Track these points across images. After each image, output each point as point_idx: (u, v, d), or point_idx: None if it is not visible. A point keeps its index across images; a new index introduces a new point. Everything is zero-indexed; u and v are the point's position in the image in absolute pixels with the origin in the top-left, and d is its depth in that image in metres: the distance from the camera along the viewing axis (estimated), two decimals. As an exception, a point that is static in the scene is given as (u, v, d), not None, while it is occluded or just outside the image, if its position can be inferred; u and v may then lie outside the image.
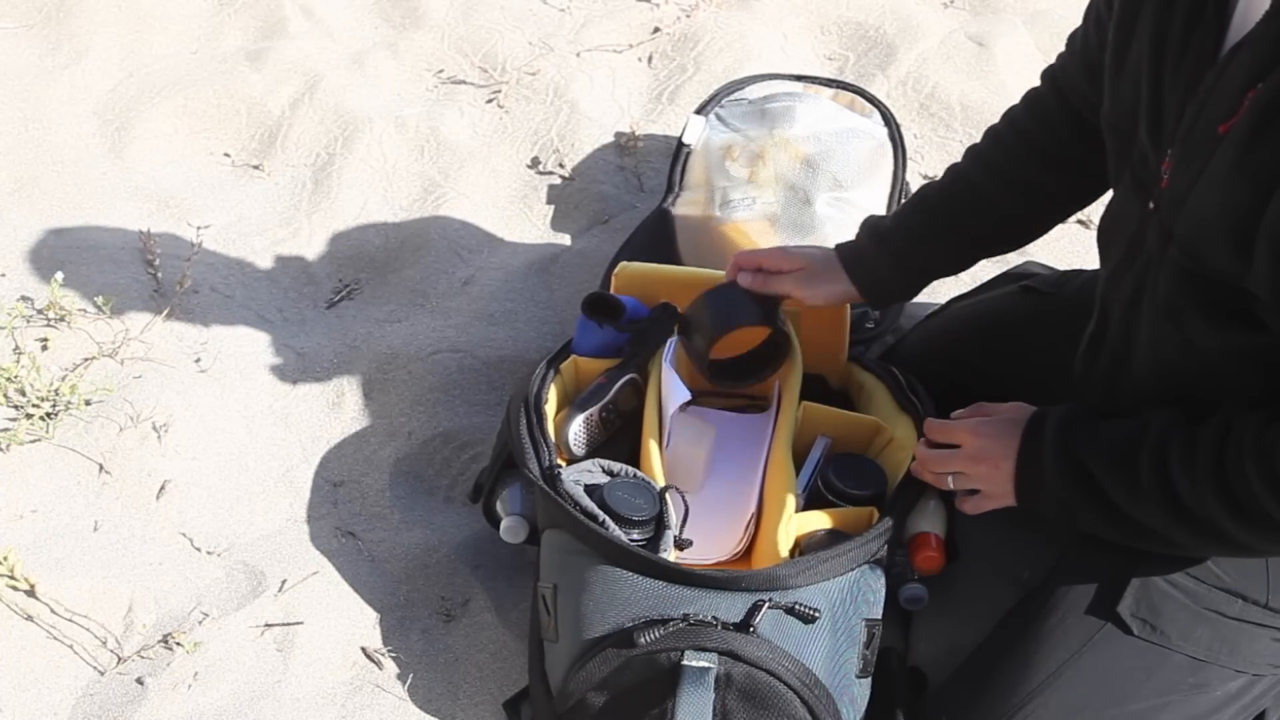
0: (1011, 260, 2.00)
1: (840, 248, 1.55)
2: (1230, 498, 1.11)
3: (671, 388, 1.49)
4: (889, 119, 2.06)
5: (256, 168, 2.23)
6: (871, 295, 1.54)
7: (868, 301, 1.55)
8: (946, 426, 1.36)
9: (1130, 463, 1.18)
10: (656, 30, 2.49)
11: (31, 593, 1.55)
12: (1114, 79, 1.25)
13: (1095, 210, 1.69)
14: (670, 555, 1.37)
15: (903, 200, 1.97)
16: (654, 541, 1.37)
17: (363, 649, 1.54)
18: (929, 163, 2.21)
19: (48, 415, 1.75)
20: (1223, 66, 1.08)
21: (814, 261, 1.53)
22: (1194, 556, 1.25)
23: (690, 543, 1.44)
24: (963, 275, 1.97)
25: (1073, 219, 2.09)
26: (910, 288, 1.57)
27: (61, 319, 1.89)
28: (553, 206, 2.17)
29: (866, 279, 1.53)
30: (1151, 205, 1.19)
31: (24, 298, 1.94)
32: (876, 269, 1.53)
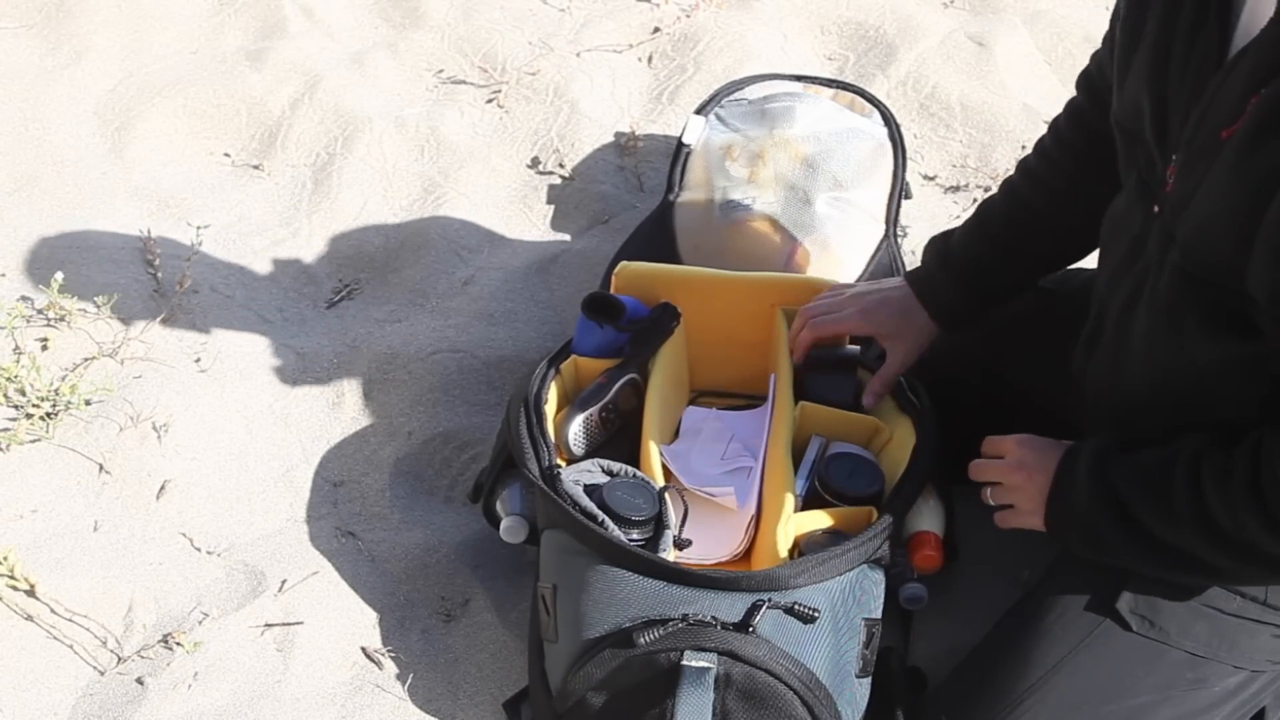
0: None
1: (911, 278, 1.54)
2: (1270, 519, 1.10)
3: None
4: (889, 119, 2.06)
5: (256, 168, 2.23)
6: (946, 326, 1.54)
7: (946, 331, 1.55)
8: (997, 439, 1.36)
9: (1163, 485, 1.17)
10: (656, 30, 2.49)
11: (31, 593, 1.55)
12: (1121, 80, 1.24)
13: (1095, 210, 1.69)
14: (670, 555, 1.37)
15: (902, 201, 1.97)
16: (653, 541, 1.37)
17: (363, 649, 1.54)
18: (929, 163, 2.21)
19: (48, 415, 1.75)
20: (1226, 72, 1.08)
21: (894, 319, 1.53)
22: (1243, 588, 1.24)
23: (690, 543, 1.44)
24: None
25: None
26: (980, 314, 1.56)
27: (61, 319, 1.89)
28: (553, 206, 2.17)
29: (941, 312, 1.53)
30: (1156, 209, 1.19)
31: (24, 298, 1.94)
32: (950, 300, 1.52)
